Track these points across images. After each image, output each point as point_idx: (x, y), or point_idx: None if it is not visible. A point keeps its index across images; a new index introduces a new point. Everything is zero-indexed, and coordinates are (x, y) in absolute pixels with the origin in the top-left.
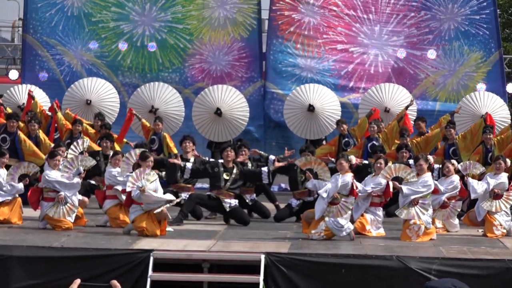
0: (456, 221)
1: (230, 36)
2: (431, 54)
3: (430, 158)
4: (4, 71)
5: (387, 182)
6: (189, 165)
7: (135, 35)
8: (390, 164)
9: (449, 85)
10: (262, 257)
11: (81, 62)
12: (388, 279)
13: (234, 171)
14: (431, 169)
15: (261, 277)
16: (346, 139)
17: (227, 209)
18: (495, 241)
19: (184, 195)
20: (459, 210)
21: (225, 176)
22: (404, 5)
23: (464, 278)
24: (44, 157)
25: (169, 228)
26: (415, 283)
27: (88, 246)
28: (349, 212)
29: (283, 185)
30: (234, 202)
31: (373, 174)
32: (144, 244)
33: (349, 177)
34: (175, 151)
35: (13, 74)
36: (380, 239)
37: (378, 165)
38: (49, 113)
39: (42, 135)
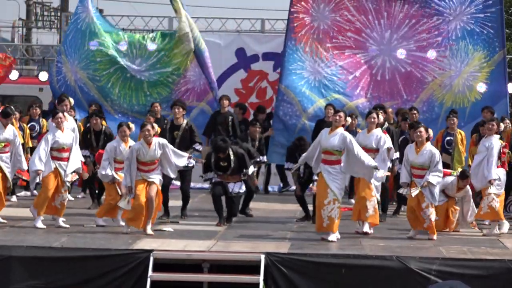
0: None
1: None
2: (431, 54)
3: (430, 130)
4: None
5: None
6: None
7: (128, 70)
8: None
9: (455, 87)
10: (262, 257)
11: (75, 77)
12: (388, 279)
13: (232, 158)
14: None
15: (261, 277)
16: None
17: (229, 194)
18: (495, 241)
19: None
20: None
21: (222, 163)
22: (418, 11)
23: (464, 278)
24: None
25: (168, 228)
26: (415, 283)
27: (88, 246)
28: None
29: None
30: (238, 188)
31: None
32: (144, 244)
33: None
34: None
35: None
36: (380, 239)
37: (371, 119)
38: None
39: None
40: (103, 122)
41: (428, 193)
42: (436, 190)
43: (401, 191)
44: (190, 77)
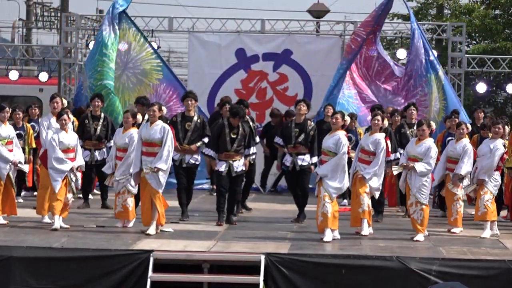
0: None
1: (151, 85)
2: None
3: (433, 124)
4: (4, 72)
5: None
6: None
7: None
8: None
9: (428, 115)
10: (262, 257)
11: (89, 83)
12: (388, 279)
13: (240, 130)
14: (431, 135)
15: (261, 278)
16: (350, 134)
17: (233, 174)
18: (495, 242)
19: (188, 158)
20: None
21: (232, 135)
22: (410, 79)
23: (464, 278)
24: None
25: (168, 229)
26: (415, 283)
27: (88, 247)
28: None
29: (283, 185)
30: (242, 167)
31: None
32: (144, 244)
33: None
34: None
35: (13, 75)
36: (380, 240)
37: (376, 122)
38: None
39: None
40: None
41: (411, 182)
42: (424, 187)
43: (394, 168)
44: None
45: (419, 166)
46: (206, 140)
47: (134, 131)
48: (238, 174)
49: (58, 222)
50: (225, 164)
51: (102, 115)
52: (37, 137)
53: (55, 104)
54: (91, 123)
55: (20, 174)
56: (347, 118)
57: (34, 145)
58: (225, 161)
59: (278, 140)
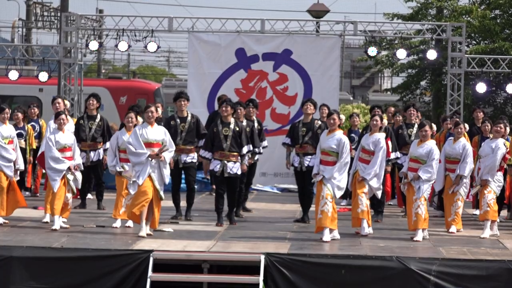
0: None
1: None
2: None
3: (434, 126)
4: (4, 72)
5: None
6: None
7: None
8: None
9: None
10: (262, 257)
11: None
12: (388, 279)
13: (232, 127)
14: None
15: (261, 278)
16: (352, 134)
17: (225, 175)
18: (495, 242)
19: (184, 158)
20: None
21: (224, 132)
22: None
23: (464, 278)
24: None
25: (168, 229)
26: (415, 283)
27: (88, 247)
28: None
29: (282, 186)
30: (236, 168)
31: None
32: (144, 244)
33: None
34: None
35: (13, 75)
36: (380, 240)
37: (374, 122)
38: None
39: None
40: None
41: (416, 188)
42: (424, 187)
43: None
44: None
45: (423, 174)
46: (200, 144)
47: None
48: (231, 176)
49: (58, 222)
50: (219, 164)
51: (99, 115)
52: (37, 137)
53: (57, 105)
54: (86, 123)
55: (19, 173)
56: (342, 117)
57: (34, 146)
58: (219, 160)
59: (286, 140)
